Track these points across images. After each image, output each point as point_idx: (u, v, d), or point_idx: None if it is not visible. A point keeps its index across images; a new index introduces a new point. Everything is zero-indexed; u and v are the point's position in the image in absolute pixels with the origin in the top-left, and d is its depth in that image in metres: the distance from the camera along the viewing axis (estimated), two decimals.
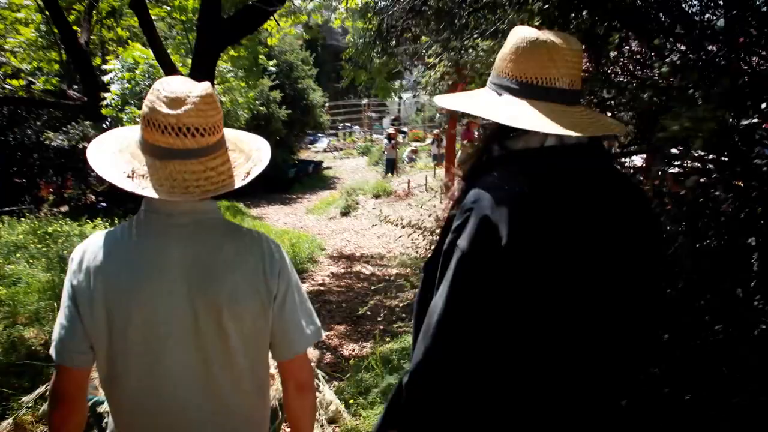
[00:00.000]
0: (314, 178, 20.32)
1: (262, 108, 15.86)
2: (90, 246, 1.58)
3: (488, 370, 1.43)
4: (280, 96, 18.28)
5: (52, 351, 1.58)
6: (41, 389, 4.22)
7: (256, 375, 1.70)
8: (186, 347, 1.57)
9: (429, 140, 22.50)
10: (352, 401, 4.28)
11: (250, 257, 1.61)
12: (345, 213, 13.12)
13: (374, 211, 12.61)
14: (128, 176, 1.49)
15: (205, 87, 1.52)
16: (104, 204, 11.87)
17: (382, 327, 6.30)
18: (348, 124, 29.79)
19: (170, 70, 6.69)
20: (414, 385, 1.45)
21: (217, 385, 1.62)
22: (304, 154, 24.32)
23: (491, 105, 1.47)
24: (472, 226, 1.36)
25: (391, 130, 19.48)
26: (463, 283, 1.37)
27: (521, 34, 1.46)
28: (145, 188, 1.46)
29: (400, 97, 26.89)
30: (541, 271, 1.36)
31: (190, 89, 1.49)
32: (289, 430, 2.00)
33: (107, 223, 9.89)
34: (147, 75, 7.44)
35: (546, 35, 1.43)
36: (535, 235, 1.35)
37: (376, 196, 13.85)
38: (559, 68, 1.42)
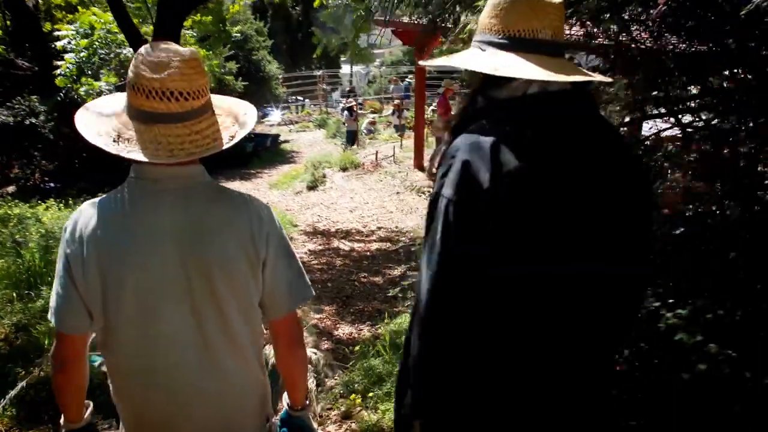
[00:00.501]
0: (272, 152, 19.61)
1: (229, 77, 15.14)
2: (82, 215, 1.62)
3: (480, 324, 1.42)
4: (236, 67, 17.52)
5: (50, 317, 1.64)
6: (11, 393, 3.76)
7: (249, 335, 1.74)
8: (179, 310, 1.61)
9: (388, 111, 22.03)
10: (371, 395, 3.87)
11: (238, 220, 1.64)
12: (312, 187, 12.50)
13: (344, 185, 12.15)
14: (113, 140, 1.52)
15: (189, 51, 1.54)
16: (53, 184, 11.11)
17: (374, 306, 5.91)
18: (300, 98, 28.83)
19: (133, 36, 6.09)
20: (423, 339, 1.45)
21: (211, 346, 1.66)
22: (258, 128, 23.56)
23: (474, 58, 1.49)
24: (454, 173, 1.38)
25: (351, 102, 18.91)
26: (451, 229, 1.38)
27: None
28: (130, 152, 1.49)
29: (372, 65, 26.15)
30: (522, 215, 1.37)
31: (174, 53, 1.51)
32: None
33: (61, 204, 9.25)
34: (105, 42, 6.77)
35: None
36: (515, 179, 1.35)
37: (344, 169, 13.27)
38: (541, 20, 1.44)
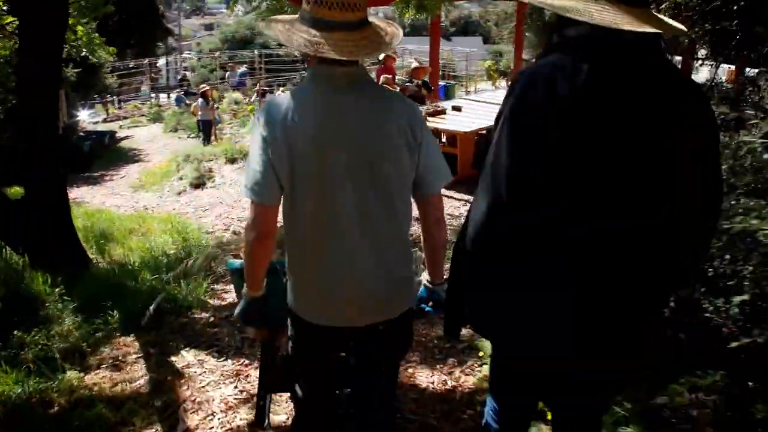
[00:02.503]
0: (112, 152, 16.69)
1: (108, 56, 12.18)
2: (271, 104, 1.88)
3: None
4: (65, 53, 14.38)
5: (247, 193, 1.86)
6: None
7: (406, 213, 1.99)
8: (355, 187, 1.86)
9: (252, 98, 19.70)
10: None
11: (402, 110, 1.91)
12: (199, 185, 10.17)
13: (239, 179, 10.04)
14: (306, 45, 1.78)
15: None
16: None
17: (434, 332, 4.23)
18: (109, 95, 24.71)
19: None
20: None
21: (378, 219, 1.90)
22: (86, 126, 20.23)
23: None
24: (514, 97, 1.57)
25: (204, 87, 16.45)
26: (504, 142, 1.56)
27: None
28: (324, 51, 1.76)
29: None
30: (565, 139, 1.49)
31: None
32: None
33: None
34: None
35: None
36: (562, 106, 1.47)
37: (232, 161, 10.93)
38: None
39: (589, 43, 1.52)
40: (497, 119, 1.61)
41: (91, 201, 10.80)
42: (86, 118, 22.64)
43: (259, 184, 1.82)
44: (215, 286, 5.27)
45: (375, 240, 1.90)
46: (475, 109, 9.97)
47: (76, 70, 14.57)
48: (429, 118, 9.19)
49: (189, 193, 10.05)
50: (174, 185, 10.64)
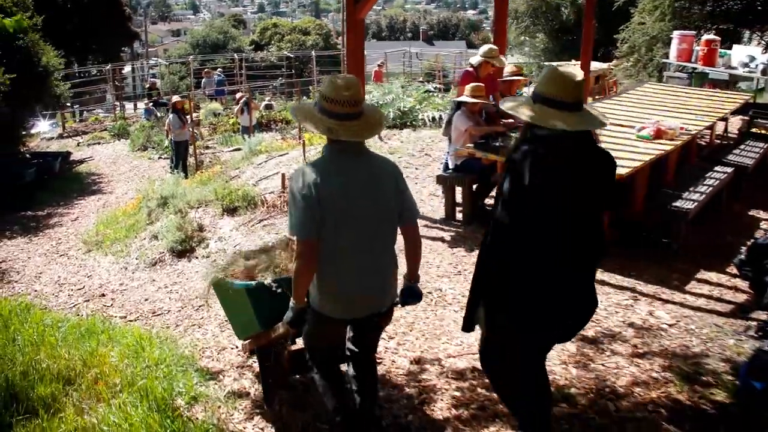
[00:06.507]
0: (65, 179, 12.91)
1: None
2: (305, 170, 2.59)
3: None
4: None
5: (295, 233, 2.60)
6: None
7: (392, 234, 2.78)
8: (370, 223, 2.63)
9: (235, 109, 15.95)
10: None
11: (393, 171, 2.76)
12: (184, 252, 6.48)
13: (246, 244, 6.40)
14: (327, 130, 2.55)
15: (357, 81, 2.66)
16: None
17: None
18: (69, 105, 20.63)
19: None
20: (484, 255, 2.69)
21: (387, 243, 2.74)
22: (34, 144, 16.43)
23: (528, 109, 2.52)
24: (509, 175, 2.52)
25: (176, 98, 12.75)
26: (504, 199, 2.55)
27: (552, 70, 2.54)
28: (341, 136, 2.53)
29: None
30: (539, 195, 2.44)
31: (351, 79, 2.62)
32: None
33: None
34: None
35: (564, 70, 2.51)
36: (537, 176, 2.41)
37: (230, 211, 7.13)
38: (567, 91, 2.47)
39: (550, 138, 2.46)
40: (501, 183, 2.62)
41: (22, 272, 7.07)
42: (47, 129, 18.89)
43: (303, 226, 2.54)
44: None
45: (375, 258, 2.71)
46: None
47: (10, 76, 10.71)
48: None
49: (169, 264, 6.35)
50: (145, 248, 6.92)
